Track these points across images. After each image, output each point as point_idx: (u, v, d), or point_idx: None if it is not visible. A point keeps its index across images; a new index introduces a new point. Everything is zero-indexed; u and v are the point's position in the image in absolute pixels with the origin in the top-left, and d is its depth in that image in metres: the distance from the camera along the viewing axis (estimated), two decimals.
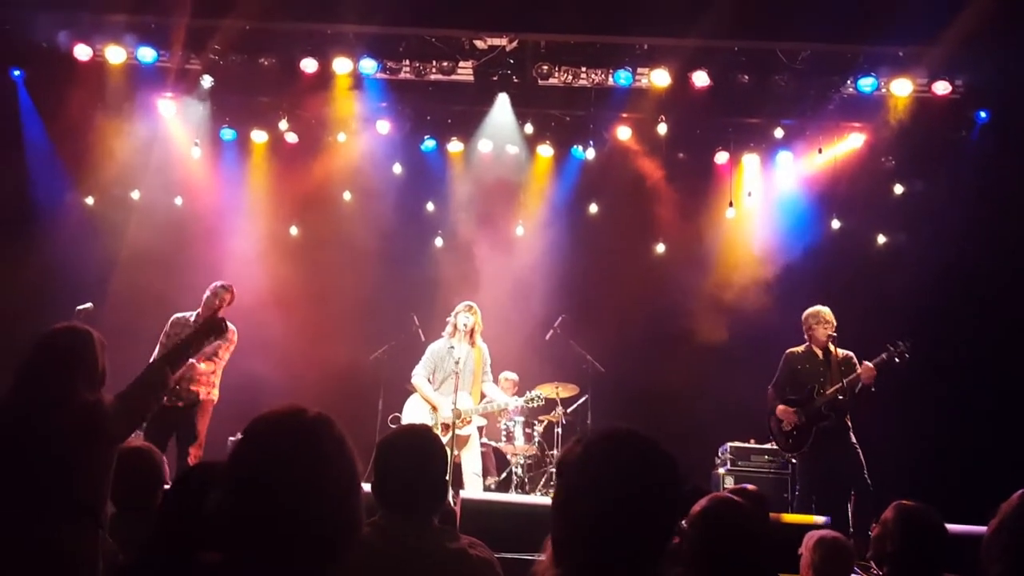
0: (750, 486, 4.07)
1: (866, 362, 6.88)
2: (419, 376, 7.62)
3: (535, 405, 7.89)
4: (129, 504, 3.52)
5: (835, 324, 7.11)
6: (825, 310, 7.19)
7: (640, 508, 1.65)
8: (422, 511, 2.69)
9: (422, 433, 2.90)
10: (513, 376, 8.89)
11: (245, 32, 8.37)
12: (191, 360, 6.94)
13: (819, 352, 7.16)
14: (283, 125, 9.33)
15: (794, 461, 7.64)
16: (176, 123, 9.47)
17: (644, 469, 1.69)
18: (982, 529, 2.66)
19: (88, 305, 7.28)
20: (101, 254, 9.23)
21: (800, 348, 7.28)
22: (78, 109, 8.98)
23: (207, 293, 7.19)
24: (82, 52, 8.57)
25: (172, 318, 7.21)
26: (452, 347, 7.49)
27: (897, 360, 6.81)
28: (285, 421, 1.66)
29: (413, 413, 7.57)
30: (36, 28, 8.45)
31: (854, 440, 6.90)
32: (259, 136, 9.56)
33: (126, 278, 9.01)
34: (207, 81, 8.85)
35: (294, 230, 10.03)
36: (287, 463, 1.59)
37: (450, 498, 5.69)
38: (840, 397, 6.86)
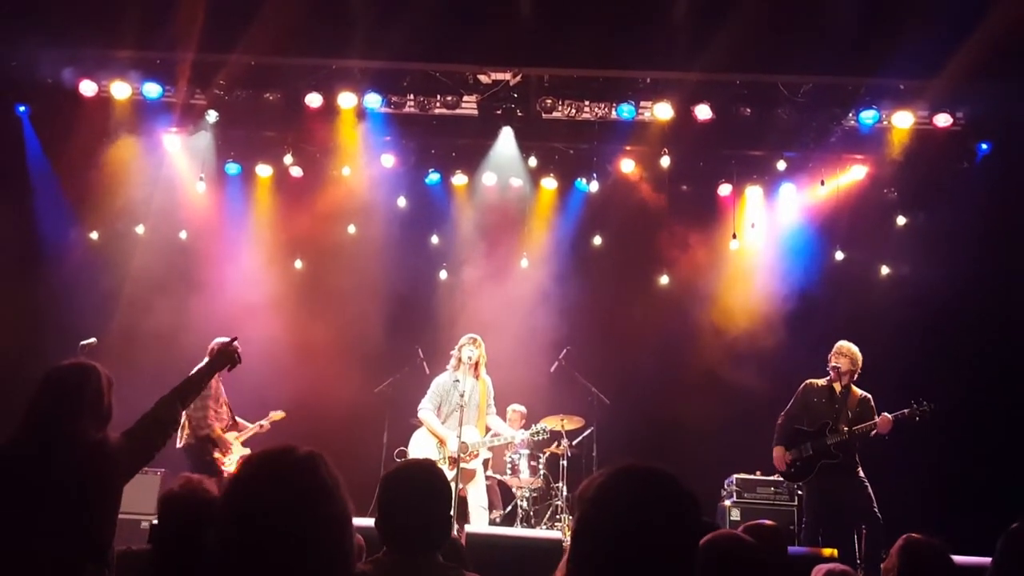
0: (767, 521, 4.03)
1: (886, 414, 6.86)
2: (426, 410, 7.58)
3: (541, 438, 7.85)
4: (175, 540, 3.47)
5: (851, 360, 7.06)
6: (843, 344, 7.16)
7: (658, 544, 1.63)
8: (426, 547, 2.67)
9: (426, 468, 2.87)
10: (521, 408, 8.85)
11: (250, 67, 8.43)
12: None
13: (838, 387, 7.13)
14: (288, 159, 9.39)
15: (800, 493, 7.61)
16: (181, 158, 9.54)
17: (663, 505, 1.67)
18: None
19: (92, 340, 7.29)
20: (105, 288, 9.23)
21: (821, 381, 7.23)
22: (83, 144, 9.02)
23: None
24: (87, 88, 8.63)
25: None
26: (457, 380, 7.47)
27: (917, 419, 6.80)
28: (276, 459, 1.67)
29: (419, 447, 7.53)
30: (41, 64, 8.51)
31: (862, 475, 6.89)
32: (264, 170, 9.61)
33: (130, 312, 9.01)
34: (212, 116, 8.92)
35: (299, 263, 10.04)
36: (279, 500, 1.59)
37: (455, 532, 5.65)
38: (853, 436, 6.89)
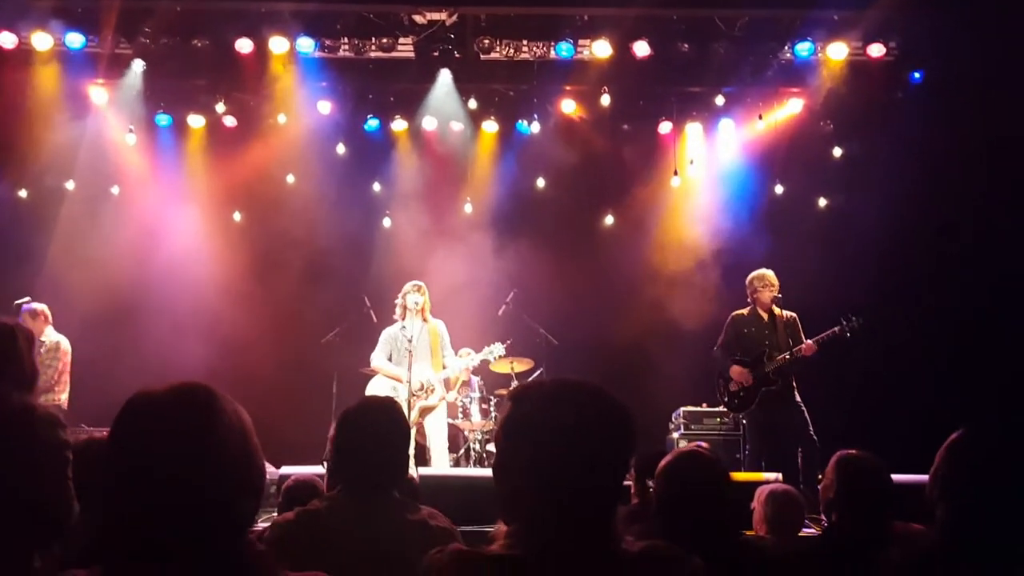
0: (703, 444, 4.12)
1: (808, 341, 7.06)
2: (378, 358, 7.64)
3: (494, 358, 7.88)
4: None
5: (778, 286, 7.27)
6: (769, 273, 7.33)
7: (589, 456, 1.61)
8: (383, 485, 2.67)
9: (383, 406, 2.85)
10: (470, 351, 8.87)
11: (176, 13, 8.15)
12: None
13: (764, 315, 7.32)
14: (220, 108, 9.12)
15: (744, 422, 7.82)
16: (109, 110, 9.20)
17: (587, 407, 1.64)
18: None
19: (27, 299, 7.14)
20: (35, 246, 8.99)
21: (745, 311, 7.43)
22: (6, 99, 8.68)
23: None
24: (7, 39, 8.29)
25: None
26: (404, 327, 7.50)
27: (849, 335, 6.96)
28: (154, 401, 1.54)
29: (376, 392, 7.53)
30: None
31: (799, 399, 7.10)
32: (196, 121, 9.33)
33: (61, 270, 8.76)
34: (139, 65, 8.63)
35: (237, 216, 9.86)
36: (159, 445, 1.48)
37: (413, 472, 5.70)
38: (786, 361, 7.04)
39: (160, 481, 1.47)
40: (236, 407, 1.58)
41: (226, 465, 1.52)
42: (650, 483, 3.30)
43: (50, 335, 7.17)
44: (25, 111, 8.76)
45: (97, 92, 9.07)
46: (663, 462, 2.88)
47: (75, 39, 8.28)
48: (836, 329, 7.00)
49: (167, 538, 1.46)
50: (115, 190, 9.52)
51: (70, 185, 9.34)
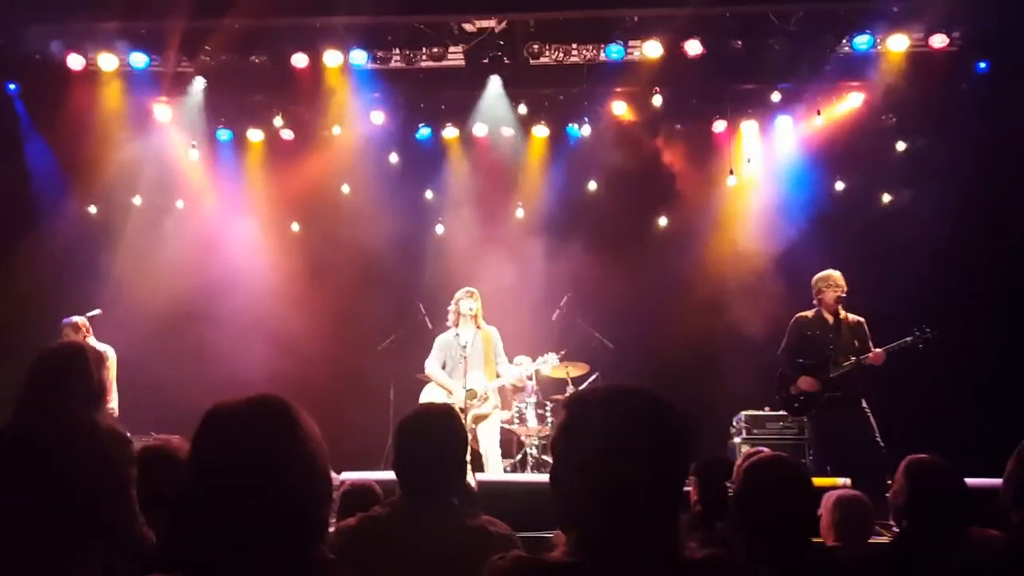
0: (765, 449, 4.04)
1: (877, 349, 6.86)
2: (431, 366, 7.66)
3: (549, 368, 7.87)
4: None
5: (845, 287, 7.08)
6: (835, 273, 7.14)
7: (642, 462, 1.59)
8: (441, 491, 2.71)
9: (441, 413, 2.91)
10: (526, 359, 8.88)
11: (235, 31, 8.31)
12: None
13: (829, 317, 7.12)
14: (278, 122, 9.33)
15: (808, 426, 7.65)
16: (172, 126, 9.45)
17: (647, 415, 1.63)
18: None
19: (96, 311, 7.32)
20: (103, 260, 9.28)
21: (809, 313, 7.23)
22: (75, 118, 8.96)
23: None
24: (75, 61, 8.58)
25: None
26: (457, 334, 7.56)
27: (921, 346, 6.76)
28: (234, 412, 1.59)
29: (432, 399, 7.57)
30: (28, 40, 8.44)
31: (864, 405, 6.88)
32: (255, 135, 9.55)
33: (129, 284, 9.01)
34: (200, 83, 8.85)
35: (295, 226, 10.04)
36: (239, 453, 1.53)
37: (471, 478, 5.72)
38: (853, 367, 6.87)
39: (240, 491, 1.51)
40: (309, 418, 1.62)
41: (303, 475, 1.56)
42: (728, 485, 3.25)
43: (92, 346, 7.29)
44: (93, 130, 9.04)
45: (161, 110, 9.34)
46: (746, 465, 2.85)
47: (139, 59, 8.55)
48: (909, 340, 6.78)
49: (245, 547, 1.50)
50: (179, 204, 9.78)
51: (137, 200, 9.62)
